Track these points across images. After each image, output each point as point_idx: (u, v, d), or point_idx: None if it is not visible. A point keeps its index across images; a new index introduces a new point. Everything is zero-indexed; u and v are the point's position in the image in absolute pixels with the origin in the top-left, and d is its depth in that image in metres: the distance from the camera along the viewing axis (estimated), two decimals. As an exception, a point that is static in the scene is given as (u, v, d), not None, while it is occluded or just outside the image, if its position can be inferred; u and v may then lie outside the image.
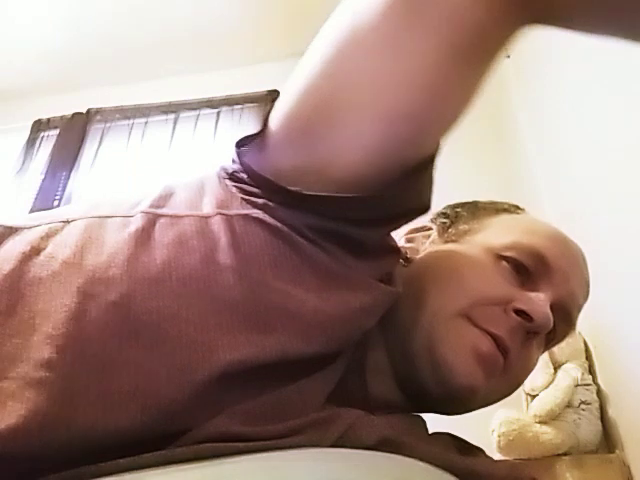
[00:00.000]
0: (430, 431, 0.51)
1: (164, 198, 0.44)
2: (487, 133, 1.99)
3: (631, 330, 1.21)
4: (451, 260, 0.53)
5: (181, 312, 0.36)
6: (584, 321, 1.50)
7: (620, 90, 1.17)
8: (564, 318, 0.53)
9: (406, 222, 0.47)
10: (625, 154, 1.16)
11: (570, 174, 1.54)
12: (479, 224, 0.57)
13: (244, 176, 0.44)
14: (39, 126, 2.50)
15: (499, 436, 1.32)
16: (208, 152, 2.21)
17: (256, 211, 0.41)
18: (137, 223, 0.41)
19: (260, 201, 0.42)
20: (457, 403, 0.49)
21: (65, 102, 2.51)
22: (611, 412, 1.38)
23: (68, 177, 2.28)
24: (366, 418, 0.41)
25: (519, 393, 1.45)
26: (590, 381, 1.41)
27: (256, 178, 0.43)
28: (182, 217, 0.41)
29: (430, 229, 0.59)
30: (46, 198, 2.21)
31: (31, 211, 2.13)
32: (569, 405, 1.35)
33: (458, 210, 0.60)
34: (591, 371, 1.44)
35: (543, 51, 1.65)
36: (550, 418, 1.33)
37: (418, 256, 0.56)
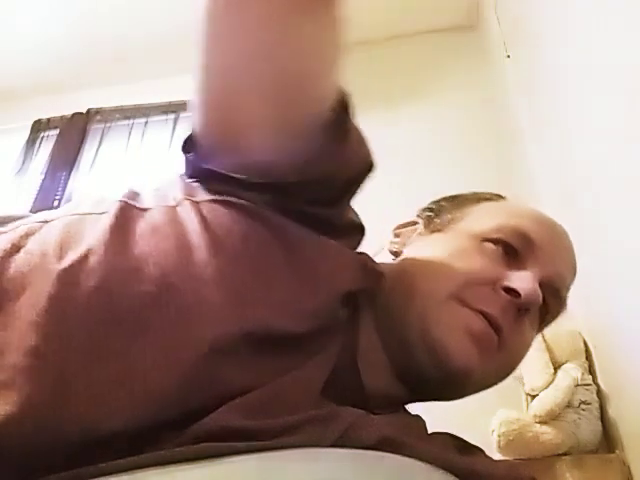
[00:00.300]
0: (430, 431, 0.51)
1: (134, 195, 0.46)
2: (485, 127, 1.99)
3: (631, 330, 1.21)
4: (437, 247, 0.54)
5: (161, 296, 0.37)
6: (584, 321, 1.51)
7: (619, 75, 1.17)
8: (554, 295, 0.54)
9: (358, 186, 0.50)
10: (625, 143, 1.16)
11: (570, 173, 1.54)
12: (462, 212, 0.58)
13: (201, 174, 0.47)
14: (39, 126, 2.49)
15: (499, 436, 1.32)
16: (208, 152, 2.20)
17: (221, 197, 0.44)
18: (112, 214, 0.42)
19: (223, 188, 0.45)
20: (455, 386, 0.49)
21: (65, 102, 2.51)
22: (611, 412, 1.38)
23: (68, 177, 2.28)
24: (366, 418, 0.41)
25: (519, 393, 1.45)
26: (590, 381, 1.41)
27: (211, 174, 0.46)
28: (152, 209, 0.43)
29: (416, 223, 0.61)
30: (46, 198, 2.21)
31: (31, 211, 2.12)
32: (569, 405, 1.35)
33: (442, 203, 0.62)
34: (591, 371, 1.44)
35: (540, 35, 1.65)
36: (550, 418, 1.33)
37: (405, 249, 0.58)
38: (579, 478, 1.27)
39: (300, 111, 0.41)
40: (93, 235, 0.40)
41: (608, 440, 1.38)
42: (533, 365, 1.41)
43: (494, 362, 0.49)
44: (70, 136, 2.40)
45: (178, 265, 0.39)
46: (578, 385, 1.37)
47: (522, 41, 1.82)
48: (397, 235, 0.61)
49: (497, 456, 1.32)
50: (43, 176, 2.29)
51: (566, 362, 1.42)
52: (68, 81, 2.58)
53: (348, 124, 0.45)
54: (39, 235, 0.41)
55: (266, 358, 0.39)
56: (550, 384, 1.38)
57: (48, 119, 2.50)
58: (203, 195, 0.45)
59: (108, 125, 2.44)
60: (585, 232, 1.44)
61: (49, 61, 2.52)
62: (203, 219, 0.42)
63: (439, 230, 0.58)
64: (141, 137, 2.37)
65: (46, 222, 0.43)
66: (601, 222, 1.32)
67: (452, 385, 0.49)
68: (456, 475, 0.40)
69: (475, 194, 0.62)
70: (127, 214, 0.43)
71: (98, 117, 2.46)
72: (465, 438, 0.52)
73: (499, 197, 0.62)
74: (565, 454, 1.33)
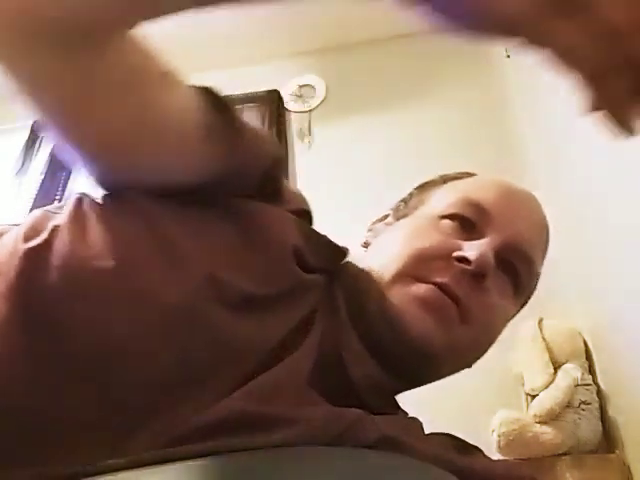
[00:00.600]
0: (430, 431, 0.51)
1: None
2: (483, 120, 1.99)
3: (631, 330, 1.21)
4: (398, 232, 0.56)
5: (121, 269, 0.39)
6: (584, 321, 1.51)
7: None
8: (521, 258, 0.54)
9: (275, 179, 0.53)
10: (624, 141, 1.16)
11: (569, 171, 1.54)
12: (427, 196, 0.60)
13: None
14: (39, 126, 2.49)
15: (499, 436, 1.32)
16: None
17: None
18: (68, 208, 0.45)
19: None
20: (426, 360, 0.49)
21: (65, 102, 2.50)
22: (611, 412, 1.38)
23: (68, 177, 2.28)
24: (366, 417, 0.42)
25: (519, 393, 1.45)
26: (590, 381, 1.41)
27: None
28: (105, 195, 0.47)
29: (388, 215, 0.63)
30: (46, 198, 2.20)
31: (31, 211, 2.12)
32: (569, 405, 1.35)
33: (412, 191, 0.64)
34: (591, 371, 1.44)
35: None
36: (550, 418, 1.33)
37: (374, 240, 0.60)
38: (579, 478, 1.27)
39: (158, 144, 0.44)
40: (57, 222, 0.43)
41: (608, 440, 1.38)
42: (533, 365, 1.41)
43: (463, 332, 0.49)
44: (70, 136, 2.39)
45: (135, 240, 0.41)
46: (578, 385, 1.37)
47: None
48: (370, 230, 0.63)
49: (497, 456, 1.32)
50: (43, 176, 2.29)
51: (566, 362, 1.42)
52: (68, 81, 2.57)
53: (235, 123, 0.48)
54: (9, 233, 0.44)
55: (240, 316, 0.41)
56: (550, 384, 1.37)
57: (48, 119, 2.49)
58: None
59: (108, 125, 2.44)
60: (585, 232, 1.44)
61: (49, 61, 2.52)
62: (157, 203, 0.44)
63: (405, 216, 0.59)
64: (141, 137, 2.36)
65: (17, 225, 0.46)
66: (602, 222, 1.32)
67: (423, 360, 0.49)
68: (456, 474, 0.40)
69: (442, 176, 0.64)
70: (84, 205, 0.45)
71: (98, 117, 2.46)
72: (465, 438, 0.52)
73: (467, 175, 0.63)
74: (565, 454, 1.33)
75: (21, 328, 0.36)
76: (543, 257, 0.58)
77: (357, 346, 0.49)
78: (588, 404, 1.36)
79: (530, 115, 1.90)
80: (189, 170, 0.46)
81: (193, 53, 2.50)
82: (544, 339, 1.44)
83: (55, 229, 0.41)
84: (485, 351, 0.55)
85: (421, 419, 0.51)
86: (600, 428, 1.37)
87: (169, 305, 0.38)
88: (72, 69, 0.40)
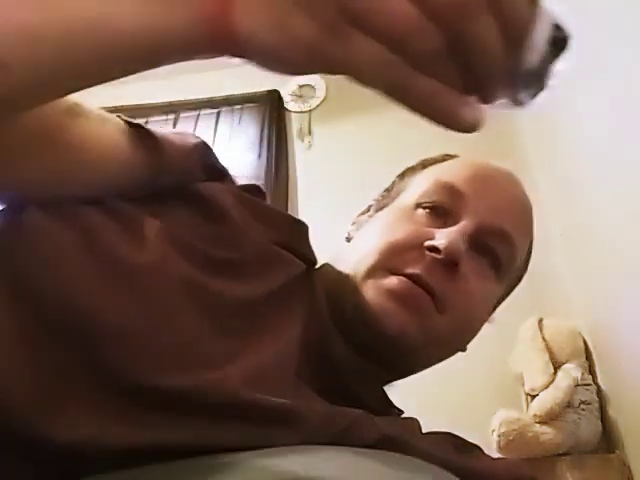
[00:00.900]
0: (430, 430, 0.51)
1: None
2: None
3: (631, 330, 1.21)
4: (374, 226, 0.56)
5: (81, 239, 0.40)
6: (584, 321, 1.51)
7: (619, 73, 1.17)
8: (499, 237, 0.53)
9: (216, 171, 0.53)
10: (625, 143, 1.16)
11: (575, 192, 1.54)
12: (406, 184, 0.59)
13: None
14: None
15: (499, 436, 1.32)
16: (208, 152, 2.21)
17: None
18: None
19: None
20: (405, 351, 0.49)
21: (65, 102, 2.50)
22: (611, 412, 1.38)
23: None
24: (367, 416, 0.42)
25: (519, 393, 1.45)
26: (590, 381, 1.41)
27: None
28: None
29: (371, 207, 0.62)
30: (46, 198, 2.21)
31: None
32: (569, 405, 1.35)
33: (394, 180, 0.63)
34: (591, 371, 1.44)
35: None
36: (550, 418, 1.33)
37: (356, 233, 0.59)
38: (579, 478, 1.27)
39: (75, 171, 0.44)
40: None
41: (608, 440, 1.38)
42: (533, 365, 1.41)
43: (438, 321, 0.49)
44: (70, 136, 2.40)
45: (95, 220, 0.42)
46: (578, 385, 1.37)
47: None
48: (354, 222, 0.62)
49: (497, 456, 1.32)
50: None
51: (566, 362, 1.42)
52: (68, 81, 2.57)
53: (151, 132, 0.47)
54: None
55: (206, 274, 0.43)
56: (550, 384, 1.38)
57: (48, 119, 2.49)
58: None
59: (108, 125, 2.44)
60: (586, 232, 1.44)
61: (49, 61, 2.52)
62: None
63: (385, 206, 0.58)
64: (141, 137, 2.37)
65: None
66: (602, 222, 1.32)
67: (402, 352, 0.49)
68: (456, 474, 0.40)
69: (422, 161, 0.63)
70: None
71: (98, 117, 2.46)
72: (465, 438, 0.52)
73: (449, 157, 0.62)
74: (565, 454, 1.33)
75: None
76: (526, 233, 0.57)
77: (342, 346, 0.49)
78: (588, 404, 1.36)
79: (530, 114, 1.90)
80: (123, 182, 0.46)
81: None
82: (544, 339, 1.44)
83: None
84: (474, 333, 0.54)
85: (421, 419, 0.51)
86: (600, 428, 1.37)
87: (137, 263, 0.39)
88: None
